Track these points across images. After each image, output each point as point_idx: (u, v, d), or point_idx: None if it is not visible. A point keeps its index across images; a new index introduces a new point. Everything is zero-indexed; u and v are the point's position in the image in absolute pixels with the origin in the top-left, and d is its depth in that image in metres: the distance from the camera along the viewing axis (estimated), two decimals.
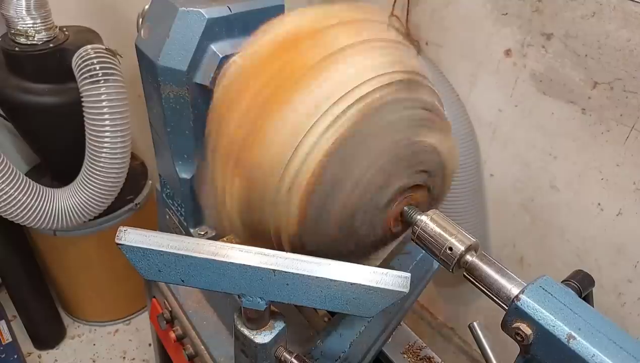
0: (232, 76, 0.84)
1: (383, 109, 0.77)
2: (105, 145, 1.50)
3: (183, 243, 0.74)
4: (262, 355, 0.76)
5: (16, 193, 1.52)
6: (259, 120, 0.77)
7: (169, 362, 1.38)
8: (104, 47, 1.48)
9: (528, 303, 0.64)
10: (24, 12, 1.40)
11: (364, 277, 0.71)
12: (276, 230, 0.82)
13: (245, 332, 0.76)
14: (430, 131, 0.83)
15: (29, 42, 1.44)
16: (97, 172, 1.55)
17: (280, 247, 0.84)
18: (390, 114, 0.78)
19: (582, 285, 0.83)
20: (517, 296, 0.66)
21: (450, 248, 0.76)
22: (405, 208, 0.84)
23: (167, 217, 1.37)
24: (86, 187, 1.59)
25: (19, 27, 1.42)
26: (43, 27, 1.45)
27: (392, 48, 0.84)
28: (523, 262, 1.64)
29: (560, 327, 0.62)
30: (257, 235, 0.85)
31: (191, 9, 0.98)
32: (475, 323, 0.81)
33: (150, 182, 1.96)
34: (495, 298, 0.71)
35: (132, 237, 0.74)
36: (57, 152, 1.72)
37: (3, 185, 1.48)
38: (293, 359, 0.77)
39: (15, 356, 1.98)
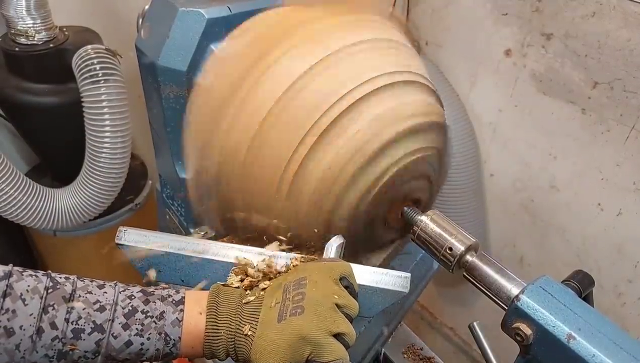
0: (211, 85, 0.84)
1: None
2: (105, 145, 1.50)
3: (183, 243, 0.74)
4: None
5: (16, 194, 1.52)
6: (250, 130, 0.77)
7: (168, 362, 1.38)
8: (104, 47, 1.47)
9: (528, 303, 0.64)
10: (24, 12, 1.40)
11: (364, 277, 0.71)
12: (276, 231, 0.82)
13: None
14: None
15: (29, 42, 1.44)
16: (97, 172, 1.55)
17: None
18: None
19: (582, 285, 0.83)
20: (517, 296, 0.66)
21: (450, 249, 0.76)
22: (405, 208, 0.84)
23: (167, 217, 1.37)
24: (86, 187, 1.59)
25: (19, 27, 1.41)
26: (43, 27, 1.44)
27: (389, 49, 0.84)
28: (523, 262, 1.64)
29: (560, 327, 0.62)
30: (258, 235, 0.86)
31: (191, 9, 0.98)
32: (475, 323, 0.81)
33: (150, 182, 1.96)
34: (495, 298, 0.72)
35: (132, 237, 0.74)
36: (57, 152, 1.71)
37: (3, 185, 1.48)
38: None
39: None
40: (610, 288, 1.42)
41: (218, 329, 0.62)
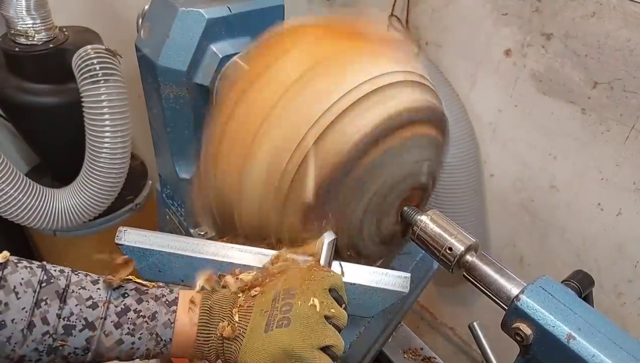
0: (234, 81, 0.84)
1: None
2: (105, 145, 1.50)
3: (183, 243, 0.74)
4: None
5: (16, 194, 1.52)
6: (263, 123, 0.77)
7: (169, 362, 1.38)
8: (104, 47, 1.47)
9: (528, 303, 0.64)
10: (24, 12, 1.40)
11: (364, 277, 0.71)
12: (277, 226, 0.82)
13: None
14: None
15: (29, 43, 1.44)
16: (97, 172, 1.55)
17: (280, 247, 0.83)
18: None
19: (582, 285, 0.83)
20: (517, 296, 0.66)
21: (450, 249, 0.76)
22: (405, 208, 0.84)
23: (167, 217, 1.37)
24: (86, 188, 1.59)
25: (19, 28, 1.41)
26: (43, 27, 1.44)
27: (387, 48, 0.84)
28: (523, 262, 1.64)
29: (560, 327, 0.62)
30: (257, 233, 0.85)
31: (191, 9, 0.99)
32: (475, 323, 0.81)
33: (150, 182, 1.96)
34: (495, 298, 0.72)
35: (132, 237, 0.74)
36: (57, 152, 1.71)
37: (3, 185, 1.48)
38: None
39: None
40: (610, 288, 1.42)
41: (209, 333, 0.63)
